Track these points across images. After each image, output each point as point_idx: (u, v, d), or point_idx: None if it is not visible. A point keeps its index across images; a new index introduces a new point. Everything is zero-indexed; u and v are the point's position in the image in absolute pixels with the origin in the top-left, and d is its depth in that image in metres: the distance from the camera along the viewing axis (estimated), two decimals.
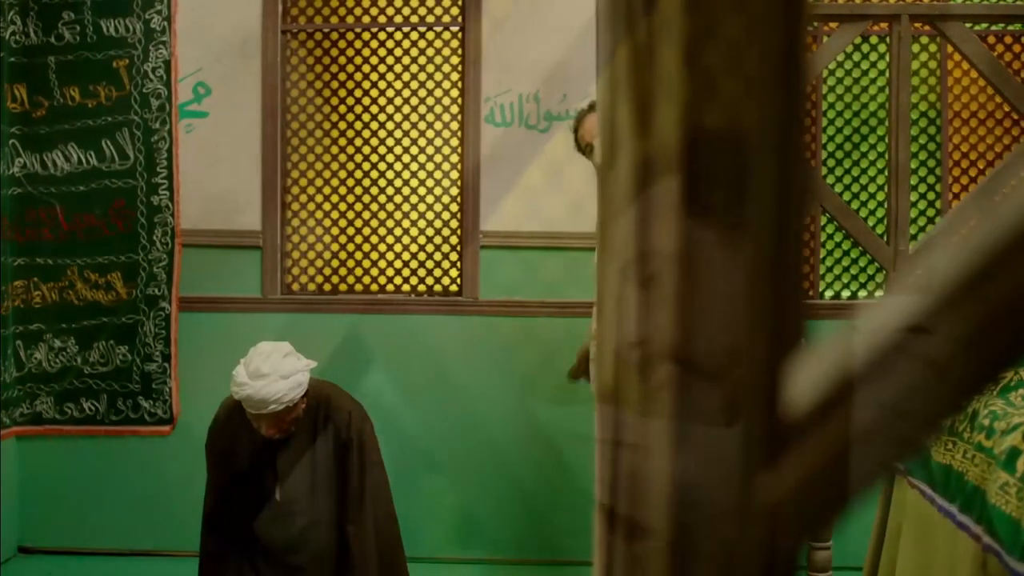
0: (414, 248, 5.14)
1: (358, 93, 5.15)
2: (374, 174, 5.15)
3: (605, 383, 0.87)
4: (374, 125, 5.15)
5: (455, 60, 5.09)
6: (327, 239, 5.18)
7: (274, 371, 3.41)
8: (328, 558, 3.70)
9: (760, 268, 0.45)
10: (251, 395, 3.41)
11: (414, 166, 5.12)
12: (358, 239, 5.16)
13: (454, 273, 5.11)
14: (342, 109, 5.16)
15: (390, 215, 5.15)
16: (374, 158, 5.14)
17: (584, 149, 4.07)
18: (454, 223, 5.11)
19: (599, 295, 0.76)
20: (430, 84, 5.11)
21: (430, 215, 5.12)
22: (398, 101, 5.13)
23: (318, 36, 5.16)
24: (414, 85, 5.12)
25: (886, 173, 4.52)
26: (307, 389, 3.56)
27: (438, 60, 5.11)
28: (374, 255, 5.16)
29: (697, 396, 0.46)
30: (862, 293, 5.08)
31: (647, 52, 0.57)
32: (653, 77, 0.51)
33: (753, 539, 0.45)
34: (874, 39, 5.07)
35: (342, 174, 5.16)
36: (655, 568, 0.48)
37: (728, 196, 0.47)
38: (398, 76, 5.13)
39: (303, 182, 5.17)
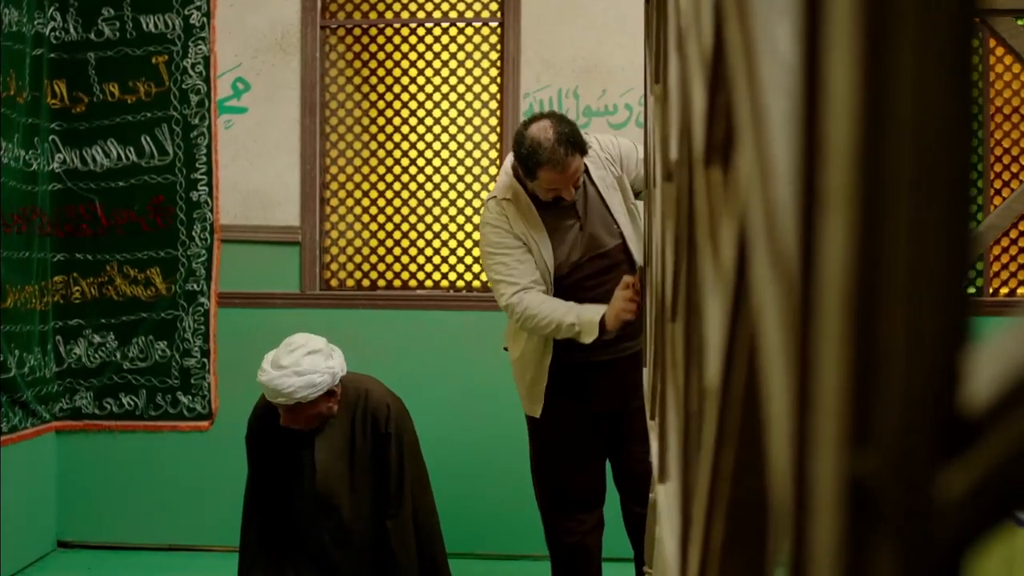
0: (453, 244, 5.14)
1: (397, 89, 5.15)
2: (413, 170, 5.15)
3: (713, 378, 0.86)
4: (413, 121, 5.15)
5: (494, 56, 5.09)
6: (366, 234, 5.18)
7: (291, 366, 3.44)
8: (368, 552, 3.70)
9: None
10: (265, 383, 3.46)
11: (453, 162, 5.12)
12: (397, 235, 5.16)
13: None
14: (381, 105, 5.16)
15: (429, 211, 5.15)
16: (413, 154, 5.15)
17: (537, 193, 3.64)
18: None
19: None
20: (469, 80, 5.11)
21: (469, 211, 5.12)
22: (437, 97, 5.13)
23: (357, 32, 5.16)
24: (453, 81, 5.12)
25: None
26: (332, 389, 3.54)
27: (477, 56, 5.10)
28: (413, 251, 5.16)
29: (874, 390, 0.45)
30: None
31: None
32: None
33: (934, 538, 0.45)
34: None
35: (381, 169, 5.17)
36: (828, 572, 0.47)
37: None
38: (437, 72, 5.13)
39: (342, 177, 5.18)
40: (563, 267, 3.67)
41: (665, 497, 1.70)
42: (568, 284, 3.69)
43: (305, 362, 3.45)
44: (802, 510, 0.50)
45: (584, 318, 3.54)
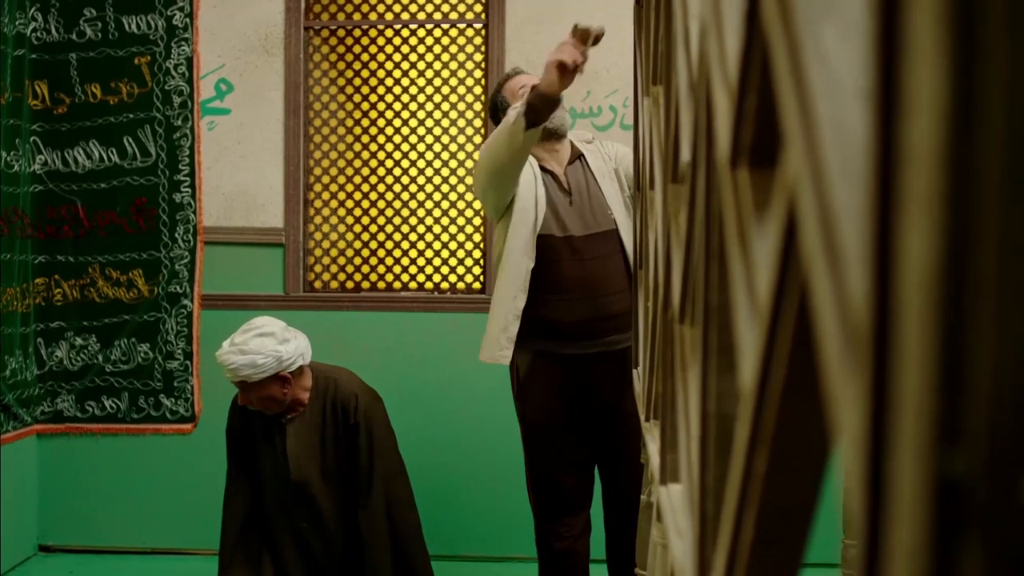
0: (437, 245, 5.13)
1: (381, 90, 5.14)
2: (397, 171, 5.14)
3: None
4: (397, 122, 5.14)
5: (478, 57, 5.09)
6: (350, 236, 5.17)
7: (240, 344, 3.56)
8: (343, 543, 3.73)
9: None
10: (217, 355, 3.62)
11: (437, 163, 5.12)
12: (381, 236, 5.15)
13: (477, 271, 5.10)
14: (365, 106, 5.15)
15: (413, 212, 5.14)
16: (397, 155, 5.14)
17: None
18: (477, 220, 5.10)
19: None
20: (453, 81, 5.10)
21: (453, 212, 5.11)
22: (421, 98, 5.12)
23: (341, 33, 5.15)
24: (437, 82, 5.11)
25: None
26: (283, 374, 3.58)
27: (461, 57, 5.10)
28: (397, 252, 5.15)
29: (963, 390, 0.45)
30: None
31: None
32: None
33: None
34: None
35: (365, 171, 5.16)
36: (916, 570, 0.47)
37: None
38: (421, 73, 5.12)
39: (326, 179, 5.17)
40: (554, 228, 3.65)
41: (669, 498, 1.70)
42: (548, 257, 3.65)
43: (253, 343, 3.55)
44: (879, 511, 0.50)
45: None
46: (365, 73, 5.15)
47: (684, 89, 1.43)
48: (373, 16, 5.14)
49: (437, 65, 5.11)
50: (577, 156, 3.77)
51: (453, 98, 5.10)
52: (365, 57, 5.15)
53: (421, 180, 5.13)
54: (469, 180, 5.09)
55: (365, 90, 5.15)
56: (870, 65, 0.51)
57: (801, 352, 0.77)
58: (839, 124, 0.64)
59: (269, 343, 3.54)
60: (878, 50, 0.50)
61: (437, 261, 5.13)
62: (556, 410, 3.77)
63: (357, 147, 5.16)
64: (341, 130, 5.16)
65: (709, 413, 1.16)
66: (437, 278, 5.14)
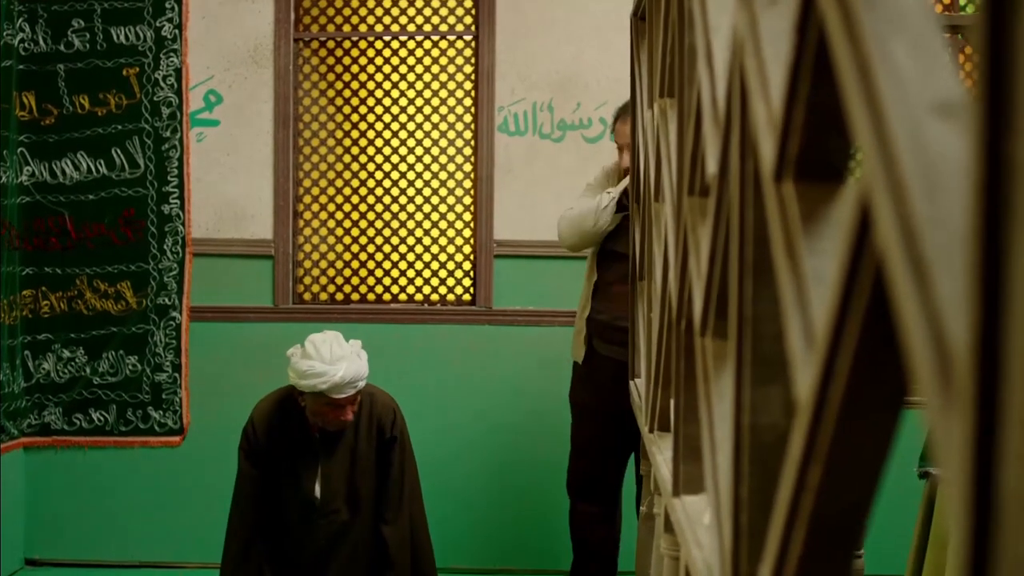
0: (427, 257, 5.12)
1: (371, 102, 5.14)
2: (387, 183, 5.13)
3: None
4: (387, 134, 5.13)
5: (468, 69, 5.09)
6: (339, 248, 5.16)
7: (351, 351, 3.46)
8: (363, 557, 3.69)
9: None
10: (344, 376, 3.39)
11: (427, 175, 5.11)
12: (371, 248, 5.15)
13: (467, 282, 5.10)
14: (355, 118, 5.15)
15: (403, 224, 5.13)
16: (387, 167, 5.13)
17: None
18: (467, 232, 5.09)
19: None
20: (443, 93, 5.10)
21: (443, 224, 5.11)
22: (411, 110, 5.12)
23: (331, 44, 5.14)
24: (427, 94, 5.11)
25: None
26: None
27: (451, 69, 5.10)
28: (387, 264, 5.15)
29: None
30: None
31: None
32: None
33: None
34: None
35: (355, 183, 5.15)
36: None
37: None
38: (411, 85, 5.12)
39: (315, 191, 5.16)
40: (619, 245, 3.95)
41: (684, 510, 1.70)
42: (605, 266, 4.12)
43: (349, 346, 3.49)
44: (987, 524, 0.50)
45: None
46: (355, 85, 5.14)
47: (707, 102, 1.43)
48: (363, 28, 5.13)
49: (427, 77, 5.11)
50: None
51: (443, 110, 5.10)
52: (355, 69, 5.14)
53: (411, 192, 5.12)
54: (459, 192, 5.09)
55: (355, 102, 5.15)
56: (979, 79, 0.51)
57: (863, 367, 0.77)
58: (915, 138, 0.64)
59: (344, 342, 3.50)
60: (986, 66, 0.51)
61: (427, 273, 5.13)
62: (591, 397, 4.18)
63: (347, 159, 5.16)
64: (331, 142, 5.16)
65: (743, 424, 1.16)
66: (427, 290, 5.14)
